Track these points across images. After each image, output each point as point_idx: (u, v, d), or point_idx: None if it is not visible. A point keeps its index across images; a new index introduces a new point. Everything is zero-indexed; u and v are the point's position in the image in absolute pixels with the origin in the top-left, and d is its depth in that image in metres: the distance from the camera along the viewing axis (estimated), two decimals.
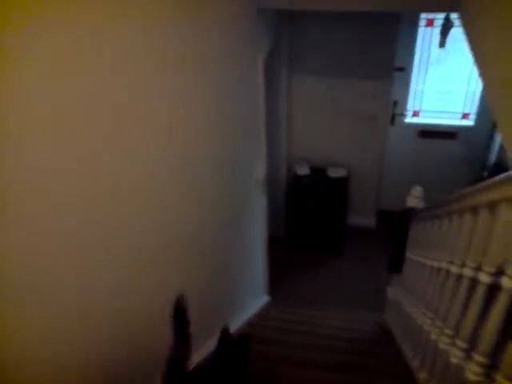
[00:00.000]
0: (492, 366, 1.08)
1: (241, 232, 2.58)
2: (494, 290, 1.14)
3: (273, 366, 2.00)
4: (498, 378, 0.92)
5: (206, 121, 1.85)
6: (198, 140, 1.79)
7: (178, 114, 1.61)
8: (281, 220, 4.68)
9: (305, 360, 2.13)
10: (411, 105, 4.67)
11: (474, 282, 1.29)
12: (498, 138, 4.18)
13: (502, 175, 1.05)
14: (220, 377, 1.40)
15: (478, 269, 1.25)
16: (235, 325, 2.49)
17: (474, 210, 1.32)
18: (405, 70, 4.41)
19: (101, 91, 1.15)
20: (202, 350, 2.01)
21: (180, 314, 1.36)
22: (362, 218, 4.97)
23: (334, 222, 4.32)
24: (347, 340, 2.53)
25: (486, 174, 4.30)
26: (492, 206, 1.18)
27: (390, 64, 4.08)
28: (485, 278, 1.19)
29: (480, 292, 1.22)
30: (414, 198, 2.45)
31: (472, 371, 1.19)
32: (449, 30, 3.42)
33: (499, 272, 1.11)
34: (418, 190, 2.44)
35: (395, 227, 2.77)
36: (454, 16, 3.31)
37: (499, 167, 3.96)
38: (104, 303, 1.32)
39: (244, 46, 2.33)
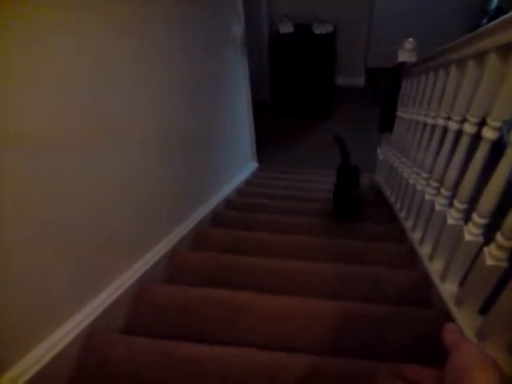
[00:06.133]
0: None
1: (222, 98, 2.44)
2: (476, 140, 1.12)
3: (259, 230, 2.04)
4: (498, 237, 0.94)
5: None
6: None
7: None
8: (266, 83, 4.51)
9: (290, 223, 2.17)
10: None
11: (458, 134, 1.28)
12: None
13: (495, 21, 0.92)
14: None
15: (463, 121, 1.23)
16: (225, 193, 2.49)
17: (463, 62, 1.22)
18: None
19: None
20: (196, 214, 2.02)
21: (340, 142, 2.43)
22: (351, 77, 4.79)
23: (322, 83, 4.14)
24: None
25: (485, 20, 3.98)
26: (480, 57, 1.09)
27: None
28: (469, 129, 1.17)
29: (465, 142, 1.22)
30: (406, 52, 2.28)
31: (471, 227, 1.14)
32: None
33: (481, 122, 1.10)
34: (410, 43, 2.26)
35: (385, 84, 2.64)
36: None
37: (502, 12, 3.48)
38: None
39: None
